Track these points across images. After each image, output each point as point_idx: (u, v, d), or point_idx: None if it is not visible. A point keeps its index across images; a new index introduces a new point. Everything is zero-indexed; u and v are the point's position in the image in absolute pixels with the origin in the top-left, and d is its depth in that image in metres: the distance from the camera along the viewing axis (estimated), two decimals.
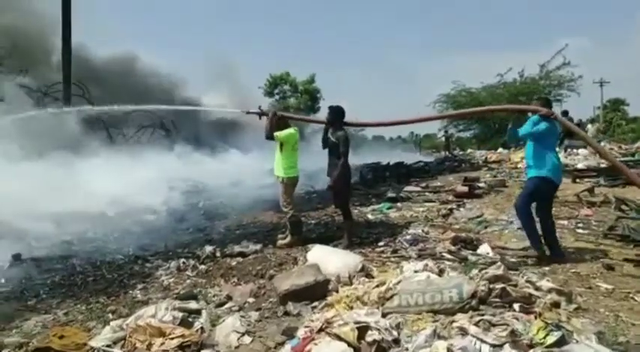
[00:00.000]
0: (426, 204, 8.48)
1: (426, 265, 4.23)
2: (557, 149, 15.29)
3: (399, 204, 8.50)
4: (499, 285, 3.53)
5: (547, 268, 4.75)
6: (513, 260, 5.14)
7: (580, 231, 6.34)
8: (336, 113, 5.96)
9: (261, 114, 6.06)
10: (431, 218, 7.34)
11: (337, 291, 4.05)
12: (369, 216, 7.65)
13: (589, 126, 25.36)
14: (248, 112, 6.10)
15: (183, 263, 5.47)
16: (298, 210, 6.27)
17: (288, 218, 5.79)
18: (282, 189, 5.85)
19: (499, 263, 3.76)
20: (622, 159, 12.42)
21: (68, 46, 16.26)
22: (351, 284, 4.13)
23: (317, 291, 4.05)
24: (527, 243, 5.78)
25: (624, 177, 9.32)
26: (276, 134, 5.79)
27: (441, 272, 4.17)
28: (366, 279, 4.05)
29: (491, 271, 3.68)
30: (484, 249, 5.48)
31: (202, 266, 5.25)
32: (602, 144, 16.35)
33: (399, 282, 3.83)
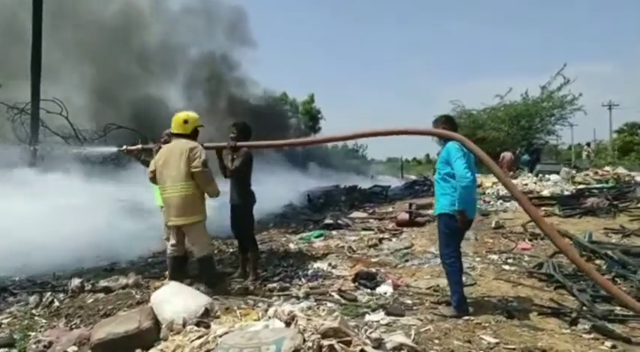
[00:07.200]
0: (363, 232, 7.84)
1: (275, 310, 3.60)
2: (529, 174, 14.56)
3: (333, 232, 7.87)
4: (328, 342, 2.90)
5: (437, 314, 4.08)
6: (409, 301, 4.48)
7: (507, 267, 5.66)
8: (244, 131, 5.40)
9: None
10: (355, 249, 6.69)
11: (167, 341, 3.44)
12: (291, 246, 7.02)
13: (586, 147, 24.59)
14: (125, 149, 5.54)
15: (47, 298, 4.86)
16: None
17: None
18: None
19: (336, 313, 3.14)
20: (594, 185, 11.75)
21: (38, 56, 15.64)
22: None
23: (140, 342, 3.42)
24: (439, 281, 5.15)
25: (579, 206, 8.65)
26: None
27: (292, 319, 3.54)
28: (195, 328, 3.42)
29: (327, 323, 3.05)
30: (385, 288, 4.84)
31: (56, 304, 4.63)
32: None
33: (224, 334, 3.21)
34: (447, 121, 4.34)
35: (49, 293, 4.97)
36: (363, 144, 48.18)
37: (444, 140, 4.18)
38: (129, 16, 21.07)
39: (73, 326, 4.08)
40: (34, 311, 4.50)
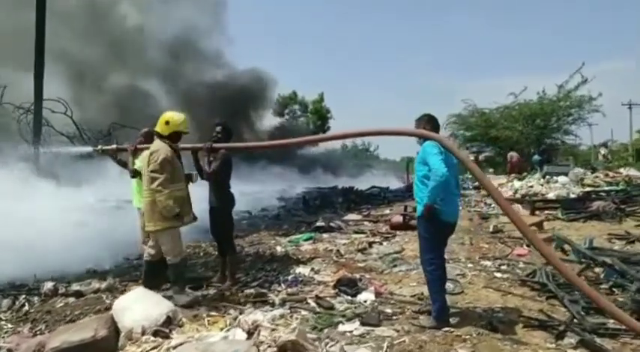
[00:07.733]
0: (354, 235, 7.63)
1: (239, 320, 3.43)
2: (538, 175, 14.06)
3: (324, 235, 7.67)
4: None
5: (416, 325, 3.86)
6: (389, 310, 4.26)
7: (499, 274, 5.40)
8: (228, 131, 5.22)
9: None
10: (343, 253, 6.48)
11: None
12: (278, 249, 6.83)
13: (602, 149, 23.90)
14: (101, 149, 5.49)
15: (20, 301, 4.74)
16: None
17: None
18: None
19: (295, 325, 2.95)
20: (602, 188, 11.36)
21: (41, 57, 15.47)
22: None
23: (96, 350, 3.28)
24: (425, 289, 4.91)
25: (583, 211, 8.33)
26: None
27: (255, 329, 3.36)
28: (152, 338, 3.25)
29: (285, 336, 2.86)
30: (366, 295, 4.62)
31: (26, 308, 4.51)
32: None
33: (178, 345, 3.04)
34: (429, 121, 4.11)
35: (23, 297, 4.86)
36: (373, 143, 47.99)
37: (423, 139, 3.96)
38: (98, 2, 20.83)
39: (38, 332, 3.95)
40: (1, 315, 4.38)
